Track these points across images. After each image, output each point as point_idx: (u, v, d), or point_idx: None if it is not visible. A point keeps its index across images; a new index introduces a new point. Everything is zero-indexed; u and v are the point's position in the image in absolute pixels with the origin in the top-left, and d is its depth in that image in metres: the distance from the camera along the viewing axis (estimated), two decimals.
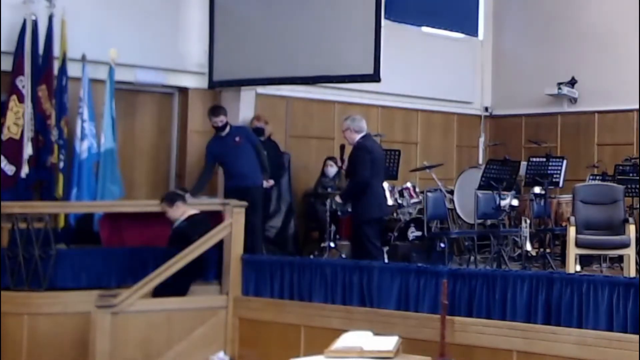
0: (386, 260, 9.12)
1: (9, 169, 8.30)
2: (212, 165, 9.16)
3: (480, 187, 9.43)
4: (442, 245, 9.47)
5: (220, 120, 9.05)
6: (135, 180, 9.73)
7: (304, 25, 9.22)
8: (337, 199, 8.77)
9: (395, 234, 9.53)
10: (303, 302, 7.40)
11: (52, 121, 8.46)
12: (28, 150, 8.29)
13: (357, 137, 8.33)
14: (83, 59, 8.75)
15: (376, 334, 6.06)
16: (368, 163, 8.17)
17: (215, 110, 9.17)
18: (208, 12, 9.80)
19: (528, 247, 9.35)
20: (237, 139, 9.05)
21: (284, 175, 10.26)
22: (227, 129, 9.08)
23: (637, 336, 5.61)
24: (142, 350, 7.34)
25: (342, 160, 9.27)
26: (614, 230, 8.41)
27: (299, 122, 11.16)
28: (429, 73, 12.33)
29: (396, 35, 11.36)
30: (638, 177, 9.68)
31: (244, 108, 9.78)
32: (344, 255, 9.54)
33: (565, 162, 10.19)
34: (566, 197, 10.00)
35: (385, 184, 9.85)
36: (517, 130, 13.07)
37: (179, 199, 7.82)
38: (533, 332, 6.08)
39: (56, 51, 8.61)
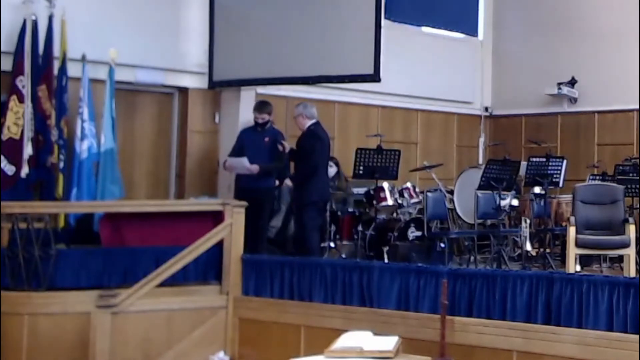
0: (386, 260, 9.14)
1: (9, 169, 8.29)
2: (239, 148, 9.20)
3: (480, 187, 9.43)
4: (442, 245, 9.46)
5: (262, 117, 9.12)
6: (135, 180, 9.73)
7: (304, 25, 9.21)
8: (287, 181, 9.29)
9: (395, 234, 9.51)
10: (303, 302, 7.38)
11: (52, 121, 8.46)
12: (28, 150, 8.29)
13: (309, 123, 8.80)
14: (83, 59, 8.74)
15: (376, 334, 6.06)
16: (319, 150, 8.67)
17: (260, 106, 9.22)
18: (208, 12, 9.79)
19: (528, 247, 9.34)
20: (266, 139, 9.08)
21: (284, 175, 10.25)
22: (267, 126, 9.13)
23: (637, 336, 5.61)
24: (142, 350, 7.34)
25: (282, 145, 9.24)
26: (614, 230, 8.41)
27: None
28: (429, 73, 12.33)
29: (396, 35, 11.35)
30: (638, 177, 9.68)
31: (244, 108, 9.76)
32: (344, 255, 9.54)
33: (565, 162, 10.21)
34: (566, 197, 10.00)
35: (385, 184, 9.87)
36: (517, 130, 13.08)
37: None
38: (533, 332, 6.08)
39: (56, 51, 8.61)
